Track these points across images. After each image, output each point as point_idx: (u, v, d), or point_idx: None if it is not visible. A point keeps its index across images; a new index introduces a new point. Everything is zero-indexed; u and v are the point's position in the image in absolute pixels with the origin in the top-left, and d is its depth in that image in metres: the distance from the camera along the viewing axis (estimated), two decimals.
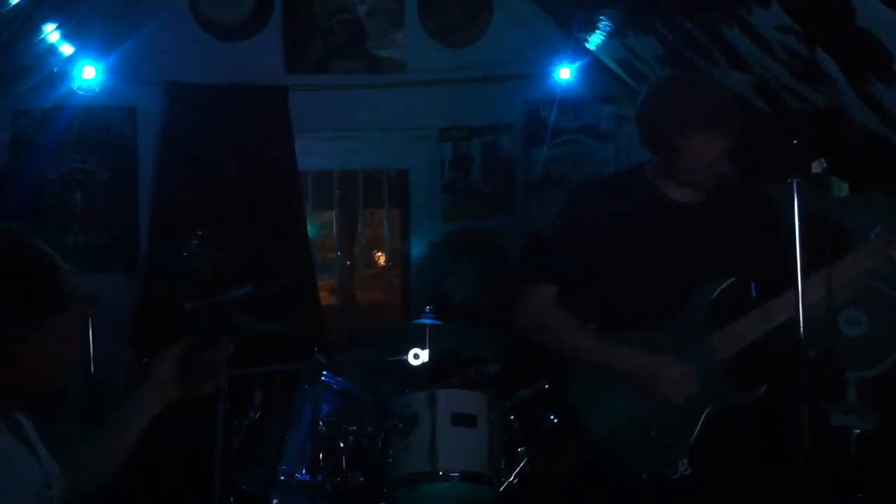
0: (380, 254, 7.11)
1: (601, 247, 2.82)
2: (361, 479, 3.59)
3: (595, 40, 5.49)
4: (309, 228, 5.78)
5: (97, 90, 5.29)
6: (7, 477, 1.86)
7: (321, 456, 3.55)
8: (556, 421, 3.81)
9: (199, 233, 2.24)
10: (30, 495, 1.91)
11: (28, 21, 4.30)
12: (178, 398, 2.22)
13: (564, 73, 5.73)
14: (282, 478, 3.54)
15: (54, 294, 1.90)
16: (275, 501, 3.57)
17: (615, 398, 2.78)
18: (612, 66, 5.73)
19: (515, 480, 3.58)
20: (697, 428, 2.69)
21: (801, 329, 2.27)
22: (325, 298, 6.23)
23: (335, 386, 3.74)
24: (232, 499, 3.53)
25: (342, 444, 3.62)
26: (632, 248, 2.80)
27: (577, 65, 5.72)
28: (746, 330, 2.71)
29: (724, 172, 2.71)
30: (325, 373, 3.69)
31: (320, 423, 3.59)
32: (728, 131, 2.67)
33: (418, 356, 3.75)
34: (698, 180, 2.75)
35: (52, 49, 4.94)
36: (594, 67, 5.78)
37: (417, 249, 6.00)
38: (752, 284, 2.82)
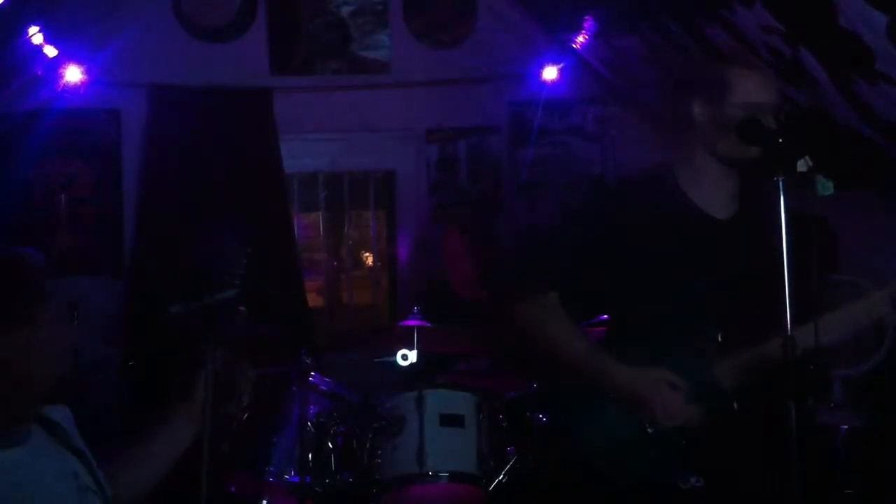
0: (367, 255, 7.10)
1: (620, 254, 2.68)
2: (350, 479, 3.60)
3: (580, 40, 5.50)
4: (295, 230, 5.78)
5: (81, 92, 5.28)
6: (32, 476, 1.89)
7: (309, 457, 3.55)
8: (545, 420, 3.81)
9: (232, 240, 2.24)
10: (63, 487, 1.94)
11: (12, 23, 4.28)
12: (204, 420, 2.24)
13: (550, 73, 5.74)
14: (270, 479, 3.54)
15: (32, 287, 1.93)
16: (264, 503, 3.57)
17: (611, 414, 2.75)
18: (598, 66, 5.74)
19: (505, 480, 3.59)
20: (699, 442, 2.67)
21: (789, 328, 2.27)
22: (313, 300, 6.22)
23: (323, 387, 3.74)
24: (221, 501, 3.52)
25: (330, 446, 3.63)
26: (653, 259, 2.67)
27: (562, 65, 5.73)
28: (758, 361, 2.59)
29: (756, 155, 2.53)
30: (312, 374, 3.68)
31: (308, 424, 3.59)
32: (772, 78, 2.61)
33: (406, 357, 3.75)
34: (737, 151, 2.58)
35: (37, 51, 4.92)
36: (580, 68, 5.79)
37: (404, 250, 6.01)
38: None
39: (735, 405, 2.66)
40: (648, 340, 2.73)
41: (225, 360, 2.26)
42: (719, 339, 2.69)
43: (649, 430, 2.68)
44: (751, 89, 2.58)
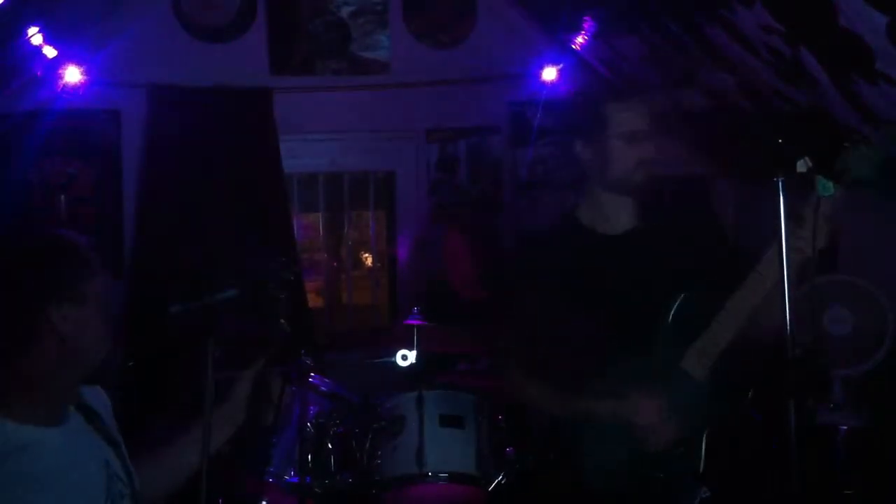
0: (367, 255, 7.11)
1: (557, 299, 2.77)
2: (350, 480, 3.59)
3: (580, 41, 5.50)
4: (295, 230, 5.78)
5: (81, 93, 5.28)
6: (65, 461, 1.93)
7: (309, 458, 3.55)
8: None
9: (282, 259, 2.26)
10: (93, 473, 1.98)
11: (11, 23, 4.28)
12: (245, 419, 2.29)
13: (550, 73, 5.75)
14: (270, 480, 3.54)
15: (79, 263, 2.00)
16: (263, 503, 3.57)
17: (611, 445, 2.76)
18: (598, 66, 5.74)
19: (504, 480, 3.59)
20: (703, 453, 2.66)
21: (788, 327, 2.27)
22: (312, 300, 6.22)
23: (323, 388, 3.74)
24: (220, 501, 3.52)
25: (330, 446, 3.62)
26: (583, 294, 2.74)
27: (562, 66, 5.73)
28: (715, 337, 2.65)
29: (650, 171, 2.73)
30: (312, 374, 3.68)
31: (308, 424, 3.59)
32: (645, 108, 2.74)
33: (406, 357, 3.75)
34: (621, 179, 2.76)
35: (36, 52, 4.92)
36: (579, 68, 5.79)
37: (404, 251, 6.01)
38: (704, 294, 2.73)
39: (714, 406, 2.69)
40: (610, 364, 2.74)
41: (263, 367, 2.28)
42: (675, 340, 2.71)
43: (649, 450, 2.69)
44: (624, 120, 2.72)
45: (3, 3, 3.83)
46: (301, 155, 5.81)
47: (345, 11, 5.69)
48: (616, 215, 2.84)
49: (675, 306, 2.72)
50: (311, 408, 3.64)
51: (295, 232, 5.80)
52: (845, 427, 3.88)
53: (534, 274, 2.84)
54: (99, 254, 2.07)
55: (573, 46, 5.62)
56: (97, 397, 2.16)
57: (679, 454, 2.68)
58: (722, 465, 2.69)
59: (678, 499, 2.68)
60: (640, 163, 2.73)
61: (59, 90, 5.23)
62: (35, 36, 4.75)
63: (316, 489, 3.53)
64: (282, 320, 2.27)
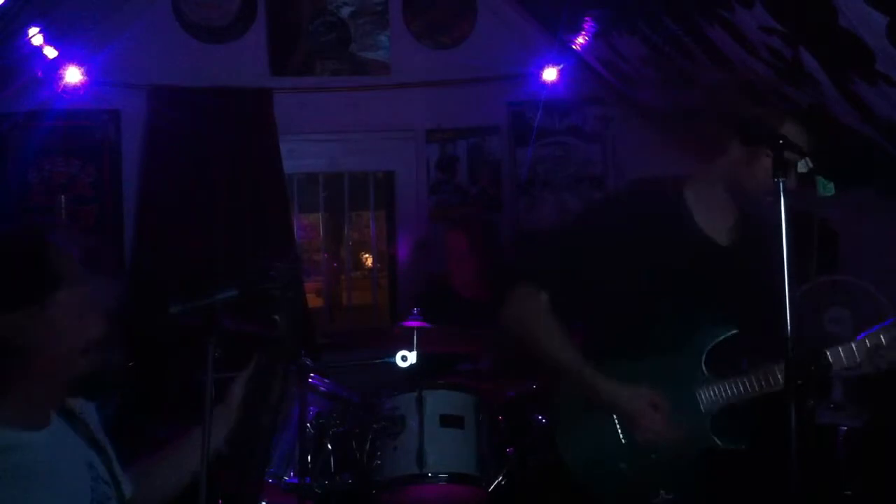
0: (367, 256, 7.11)
1: (618, 263, 2.72)
2: (349, 481, 3.59)
3: (580, 41, 5.50)
4: (295, 231, 5.78)
5: (81, 93, 5.28)
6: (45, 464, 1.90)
7: (309, 458, 3.55)
8: (545, 421, 3.81)
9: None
10: (76, 475, 1.96)
11: (12, 24, 4.28)
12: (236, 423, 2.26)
13: (550, 74, 5.75)
14: (270, 480, 3.53)
15: (42, 275, 1.90)
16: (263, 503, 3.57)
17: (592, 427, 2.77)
18: (598, 66, 5.74)
19: (504, 481, 3.59)
20: (695, 466, 2.69)
21: (789, 328, 2.27)
22: (312, 301, 6.22)
23: (323, 388, 3.73)
24: (220, 502, 3.52)
25: (330, 447, 3.62)
26: (651, 273, 2.71)
27: (562, 66, 5.73)
28: (730, 393, 2.68)
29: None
30: (312, 375, 3.68)
31: (308, 425, 3.58)
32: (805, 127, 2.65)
33: (406, 358, 3.74)
34: (752, 188, 2.67)
35: (37, 52, 4.91)
36: (580, 68, 5.79)
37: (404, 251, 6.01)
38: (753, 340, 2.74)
39: (716, 439, 2.68)
40: (630, 355, 2.74)
41: (260, 365, 2.26)
42: (703, 367, 2.71)
43: (652, 456, 2.69)
44: (791, 134, 2.56)
45: (3, 3, 3.83)
46: (301, 155, 5.81)
47: (345, 11, 5.69)
48: (720, 218, 2.79)
49: (721, 338, 2.72)
50: (311, 408, 3.64)
51: (295, 232, 5.80)
52: (845, 427, 3.88)
53: (614, 229, 2.76)
54: (91, 258, 2.01)
55: (573, 46, 5.62)
56: (83, 405, 2.13)
57: (672, 461, 2.69)
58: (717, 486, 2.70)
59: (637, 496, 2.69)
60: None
61: (59, 90, 5.23)
62: (35, 36, 4.75)
63: (316, 489, 3.53)
64: (276, 318, 2.25)
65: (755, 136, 2.54)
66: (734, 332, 2.72)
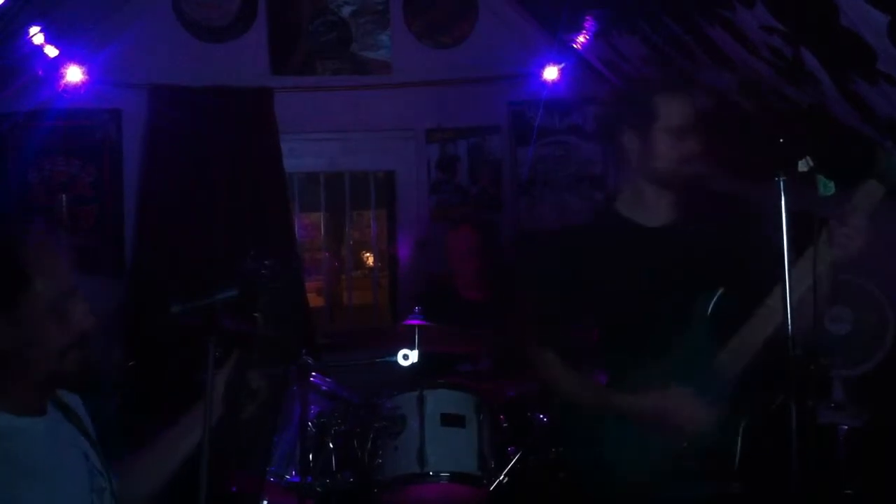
0: (367, 255, 7.11)
1: (593, 290, 2.76)
2: (351, 480, 3.60)
3: (580, 40, 5.50)
4: (296, 230, 5.78)
5: (82, 92, 5.28)
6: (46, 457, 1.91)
7: (310, 457, 3.55)
8: (545, 420, 3.81)
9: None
10: (78, 462, 1.97)
11: (12, 23, 4.28)
12: (221, 416, 2.26)
13: (550, 73, 5.75)
14: (271, 479, 3.54)
15: (9, 274, 1.86)
16: (264, 503, 3.57)
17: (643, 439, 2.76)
18: (598, 66, 5.74)
19: (505, 480, 3.59)
20: (738, 446, 2.66)
21: (790, 326, 2.27)
22: (313, 300, 6.22)
23: (324, 387, 3.74)
24: (222, 501, 3.52)
25: (331, 446, 3.63)
26: (621, 285, 2.74)
27: (562, 65, 5.73)
28: (753, 335, 2.62)
29: (693, 169, 2.72)
30: (313, 374, 3.68)
31: (309, 424, 3.59)
32: (690, 101, 2.73)
33: (408, 357, 3.75)
34: (670, 168, 2.74)
35: (37, 51, 4.92)
36: (580, 68, 5.79)
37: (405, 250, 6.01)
38: (743, 291, 2.72)
39: (738, 406, 2.67)
40: (640, 358, 2.74)
41: (237, 362, 2.27)
42: (707, 335, 2.71)
43: (684, 444, 2.68)
44: (673, 113, 2.71)
45: (3, 3, 3.83)
46: (302, 155, 5.81)
47: (345, 11, 5.69)
48: (656, 208, 2.82)
49: (713, 301, 2.72)
50: (313, 407, 3.64)
51: (296, 232, 5.80)
52: (845, 427, 3.88)
53: (570, 263, 2.82)
54: (75, 254, 1.98)
55: (574, 46, 5.62)
56: (73, 399, 2.13)
57: (713, 446, 2.67)
58: (756, 462, 2.68)
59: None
60: (685, 157, 2.72)
61: (59, 90, 5.24)
62: (36, 35, 4.75)
63: (317, 488, 3.54)
64: (256, 315, 2.25)
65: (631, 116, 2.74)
66: (720, 291, 2.72)
